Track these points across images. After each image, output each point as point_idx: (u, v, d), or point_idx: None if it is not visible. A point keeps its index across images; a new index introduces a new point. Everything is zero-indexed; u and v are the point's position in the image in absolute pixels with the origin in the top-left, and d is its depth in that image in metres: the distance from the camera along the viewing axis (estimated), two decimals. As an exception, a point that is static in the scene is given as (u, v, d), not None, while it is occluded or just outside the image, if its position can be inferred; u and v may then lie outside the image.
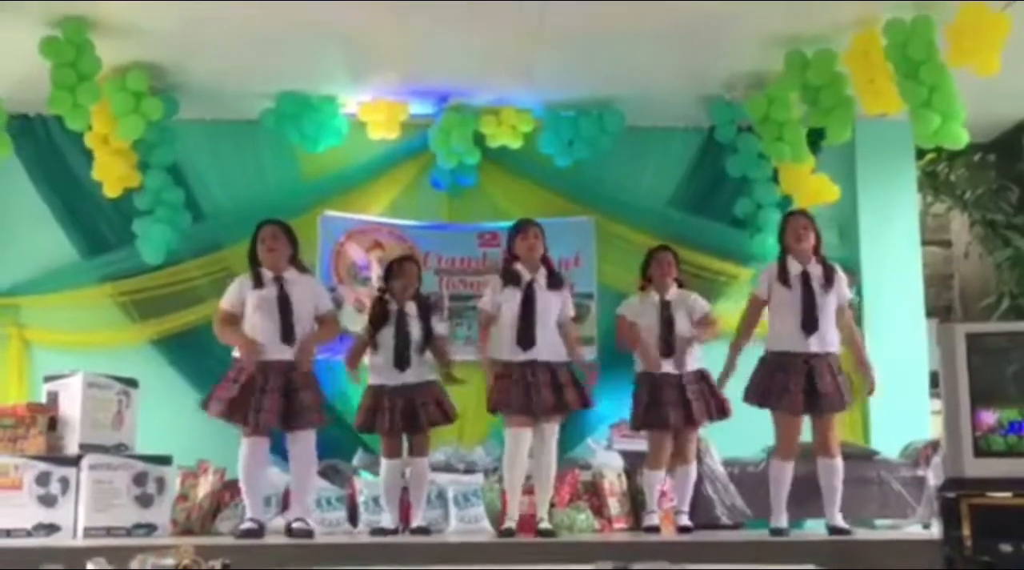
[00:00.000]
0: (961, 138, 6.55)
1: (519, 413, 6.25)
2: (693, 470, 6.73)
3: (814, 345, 6.21)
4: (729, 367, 6.49)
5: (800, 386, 6.16)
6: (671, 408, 6.54)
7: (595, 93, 8.07)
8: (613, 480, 7.27)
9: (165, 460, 6.55)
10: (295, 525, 6.10)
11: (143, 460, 6.44)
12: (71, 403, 6.38)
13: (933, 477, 6.99)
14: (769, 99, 7.57)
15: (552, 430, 6.33)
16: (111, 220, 8.15)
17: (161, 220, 7.89)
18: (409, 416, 6.43)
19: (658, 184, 8.62)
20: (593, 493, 7.26)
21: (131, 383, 6.70)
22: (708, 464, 7.29)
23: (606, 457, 7.50)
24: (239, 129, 8.31)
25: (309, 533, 6.08)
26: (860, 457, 7.35)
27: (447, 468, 7.28)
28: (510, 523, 6.30)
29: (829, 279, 6.31)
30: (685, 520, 6.65)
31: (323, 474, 7.06)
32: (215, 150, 8.32)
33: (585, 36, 6.99)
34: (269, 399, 5.99)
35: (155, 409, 6.99)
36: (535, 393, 6.21)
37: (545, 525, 6.29)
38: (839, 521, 6.21)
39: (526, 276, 6.41)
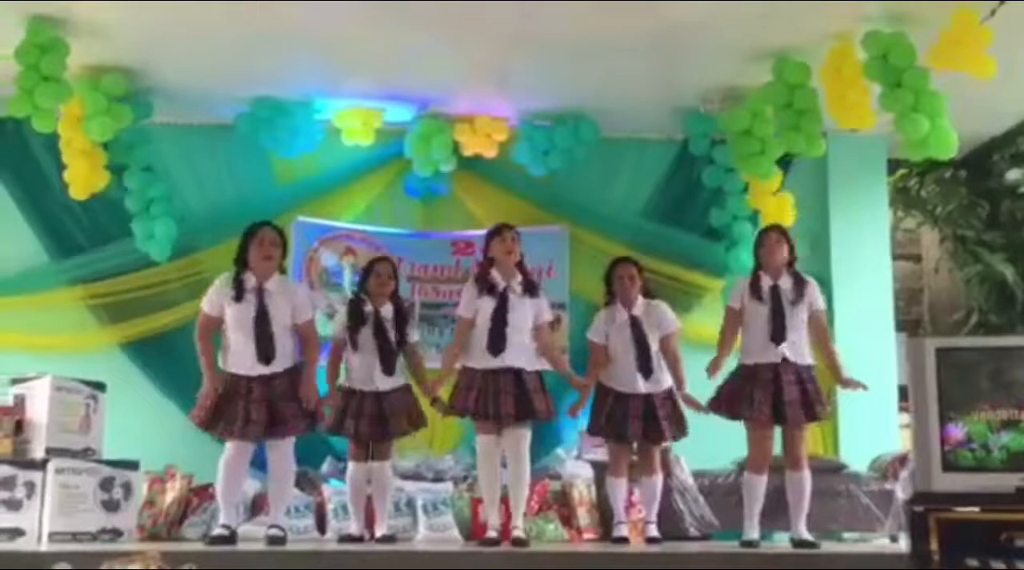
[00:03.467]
0: (951, 142, 6.52)
1: (481, 419, 6.27)
2: (658, 481, 6.73)
3: (783, 355, 6.27)
4: (714, 370, 6.44)
5: (767, 397, 6.22)
6: (634, 422, 6.54)
7: (570, 103, 8.07)
8: (583, 490, 7.26)
9: (132, 465, 6.50)
10: (271, 531, 6.09)
11: (110, 465, 6.39)
12: (38, 406, 6.32)
13: (901, 491, 7.03)
14: (753, 113, 7.57)
15: (520, 437, 6.30)
16: (82, 222, 8.10)
17: (158, 215, 7.85)
18: (378, 424, 6.43)
19: (632, 195, 8.64)
20: (563, 503, 7.25)
21: (99, 387, 6.64)
22: (678, 476, 7.29)
23: (576, 467, 7.49)
24: (213, 133, 8.26)
25: (282, 540, 6.06)
26: (829, 470, 7.38)
27: (416, 476, 7.27)
28: (493, 532, 6.28)
29: (799, 292, 6.37)
30: (653, 531, 6.66)
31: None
32: (189, 154, 8.26)
33: (561, 46, 7.00)
34: (256, 409, 5.99)
35: (123, 413, 6.95)
36: (498, 400, 6.19)
37: (519, 533, 6.26)
38: (804, 534, 6.25)
39: (501, 283, 6.40)
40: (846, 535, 7.46)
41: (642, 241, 8.27)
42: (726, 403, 6.38)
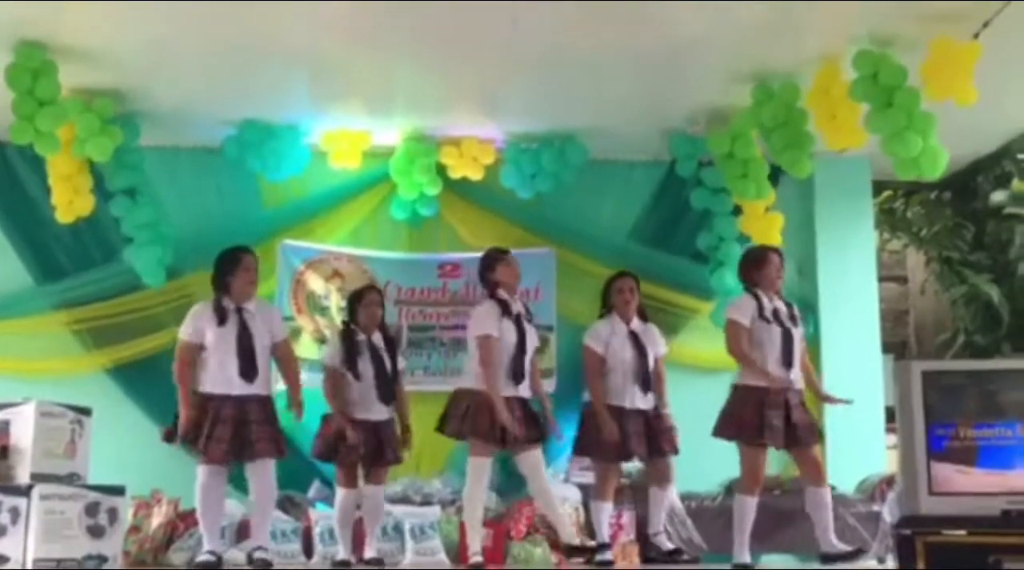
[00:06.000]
0: (942, 161, 6.49)
1: (490, 443, 6.24)
2: (673, 491, 6.69)
3: (789, 380, 6.27)
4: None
5: (781, 420, 6.20)
6: (636, 439, 6.53)
7: (557, 125, 8.08)
8: (570, 513, 7.24)
9: (118, 490, 6.44)
10: (256, 554, 6.05)
11: (95, 490, 6.34)
12: (23, 431, 6.25)
13: (888, 513, 7.02)
14: (733, 136, 7.58)
15: (539, 459, 6.37)
16: (67, 247, 8.06)
17: (149, 240, 7.81)
18: (376, 451, 6.46)
19: (619, 217, 8.63)
20: (550, 527, 7.22)
21: (84, 412, 6.59)
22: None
23: (563, 490, 7.47)
24: (201, 156, 8.24)
25: (268, 562, 6.03)
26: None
27: (404, 500, 7.25)
28: (477, 557, 6.25)
29: (792, 314, 6.40)
30: (667, 543, 6.60)
31: (279, 506, 7.00)
32: (176, 177, 8.22)
33: (548, 69, 7.01)
34: (221, 429, 5.96)
35: (109, 438, 6.90)
36: (513, 426, 6.19)
37: (577, 540, 6.37)
38: (835, 546, 6.21)
39: (515, 307, 6.42)
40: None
41: (629, 263, 8.20)
42: (737, 429, 6.30)
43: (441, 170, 8.17)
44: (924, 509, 4.44)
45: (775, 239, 7.82)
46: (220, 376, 6.08)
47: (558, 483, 7.57)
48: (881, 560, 7.01)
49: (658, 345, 6.78)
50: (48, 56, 6.60)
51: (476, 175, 8.23)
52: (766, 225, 7.92)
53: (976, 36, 6.12)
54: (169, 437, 6.18)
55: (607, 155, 8.42)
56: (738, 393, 6.37)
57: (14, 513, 6.02)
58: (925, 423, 4.52)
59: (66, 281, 8.08)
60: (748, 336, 6.37)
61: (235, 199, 8.31)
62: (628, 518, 7.14)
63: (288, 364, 6.46)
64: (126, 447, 7.34)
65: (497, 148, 8.25)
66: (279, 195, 8.38)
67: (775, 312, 6.38)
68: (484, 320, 6.35)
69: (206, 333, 6.14)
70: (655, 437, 6.58)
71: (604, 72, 7.06)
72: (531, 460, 6.31)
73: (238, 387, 6.07)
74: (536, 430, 6.35)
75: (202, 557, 6.01)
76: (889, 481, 7.33)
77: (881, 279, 9.16)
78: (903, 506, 4.61)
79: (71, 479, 6.34)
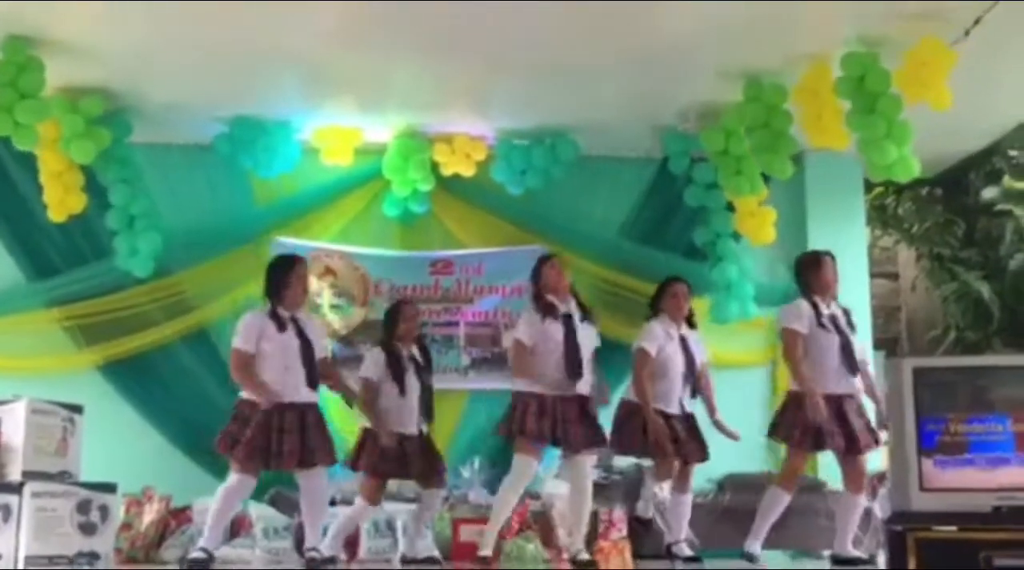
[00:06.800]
0: (914, 169, 6.55)
1: (544, 444, 6.36)
2: (689, 499, 6.73)
3: (848, 387, 6.32)
4: (816, 414, 6.25)
5: (838, 426, 6.24)
6: (679, 443, 6.58)
7: (548, 122, 8.07)
8: (563, 509, 7.24)
9: (109, 488, 6.44)
10: (309, 554, 6.19)
11: (87, 488, 6.33)
12: (14, 429, 6.24)
13: (879, 509, 7.03)
14: (727, 133, 7.56)
15: (589, 462, 6.49)
16: (59, 244, 8.04)
17: (142, 230, 7.74)
18: (426, 461, 6.57)
19: (610, 213, 8.63)
20: (543, 523, 7.24)
21: (76, 409, 6.58)
22: (657, 495, 7.27)
23: (555, 486, 7.47)
24: (192, 153, 8.22)
25: (332, 560, 6.23)
26: (808, 488, 7.38)
27: (397, 497, 7.24)
28: (487, 551, 6.35)
29: (850, 322, 6.47)
30: (687, 550, 6.62)
31: (271, 502, 7.01)
32: (167, 174, 8.18)
33: (539, 66, 7.00)
34: (288, 441, 6.01)
35: (100, 436, 6.89)
36: (567, 429, 6.29)
37: (584, 555, 6.38)
38: (849, 551, 6.32)
39: (562, 307, 6.46)
40: (825, 553, 7.46)
41: (621, 260, 8.28)
42: (798, 433, 6.32)
43: (433, 167, 8.16)
44: (915, 505, 4.44)
45: (768, 235, 7.83)
46: (286, 384, 6.10)
47: (550, 479, 7.59)
48: (873, 557, 7.02)
49: (702, 352, 6.82)
50: (35, 52, 6.57)
51: (468, 172, 8.21)
52: (759, 221, 7.91)
53: (967, 34, 6.13)
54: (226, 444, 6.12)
55: (598, 151, 8.41)
56: (796, 399, 6.38)
57: (5, 511, 6.01)
58: (916, 419, 4.52)
59: (57, 278, 8.05)
60: (804, 344, 6.39)
61: (227, 196, 8.29)
62: (619, 514, 7.13)
63: (333, 373, 6.55)
64: (118, 444, 7.33)
65: (489, 145, 8.25)
66: (271, 192, 8.35)
67: (833, 318, 6.41)
68: (520, 327, 6.52)
69: (261, 343, 6.16)
70: (701, 444, 6.66)
71: (595, 69, 7.06)
72: (583, 463, 6.43)
73: (305, 395, 6.15)
74: (595, 434, 6.42)
75: (194, 554, 6.02)
76: (880, 477, 7.34)
77: (872, 275, 9.19)
78: (894, 502, 4.61)
79: (63, 477, 6.33)
